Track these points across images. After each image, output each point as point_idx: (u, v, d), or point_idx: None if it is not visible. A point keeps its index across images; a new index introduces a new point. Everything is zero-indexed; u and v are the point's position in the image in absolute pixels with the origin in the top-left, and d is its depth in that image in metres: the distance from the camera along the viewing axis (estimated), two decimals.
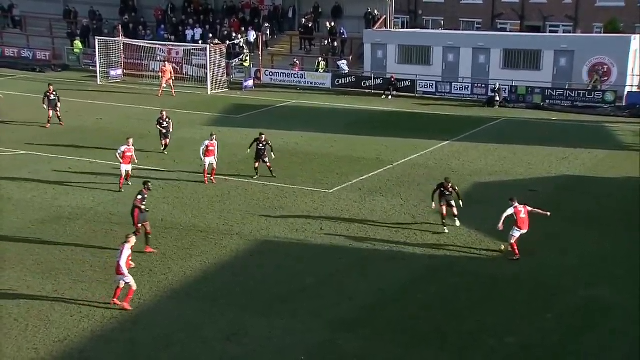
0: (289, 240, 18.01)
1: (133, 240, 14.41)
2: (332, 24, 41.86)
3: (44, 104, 28.56)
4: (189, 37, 43.57)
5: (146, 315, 14.08)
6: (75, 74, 42.06)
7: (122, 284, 14.20)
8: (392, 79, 37.43)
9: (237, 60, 40.82)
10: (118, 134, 27.51)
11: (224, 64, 39.54)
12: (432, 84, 37.53)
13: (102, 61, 39.97)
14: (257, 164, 22.28)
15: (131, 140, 21.04)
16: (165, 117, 24.71)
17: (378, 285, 15.53)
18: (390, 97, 37.20)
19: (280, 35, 44.55)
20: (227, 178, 22.71)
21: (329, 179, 22.92)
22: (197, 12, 45.48)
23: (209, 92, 37.67)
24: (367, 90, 38.31)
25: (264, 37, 41.96)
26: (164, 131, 24.79)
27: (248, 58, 40.64)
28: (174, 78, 36.88)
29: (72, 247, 17.04)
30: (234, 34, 42.35)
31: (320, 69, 39.91)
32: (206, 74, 38.13)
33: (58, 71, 42.62)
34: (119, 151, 20.85)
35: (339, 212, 19.99)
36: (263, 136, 22.22)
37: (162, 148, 24.96)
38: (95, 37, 41.19)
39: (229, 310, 14.31)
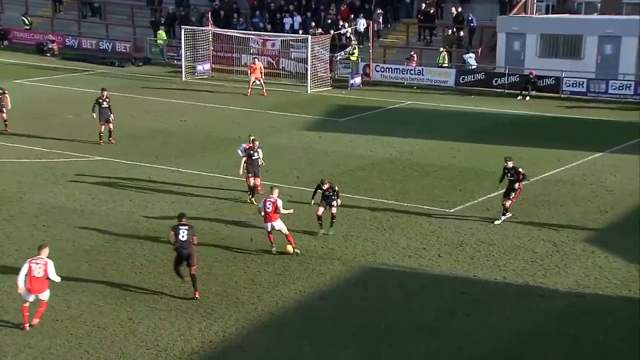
0: (400, 268, 17.95)
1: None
2: (459, 9, 41.55)
3: (93, 112, 27.26)
4: (287, 26, 44.57)
5: (233, 350, 14.43)
6: (158, 68, 43.99)
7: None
8: (532, 76, 36.66)
9: (342, 53, 41.28)
10: (204, 138, 28.47)
11: (327, 58, 40.06)
12: (583, 82, 36.42)
13: (188, 54, 41.52)
14: (320, 211, 19.62)
15: (276, 192, 18.54)
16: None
17: (509, 327, 15.20)
18: (528, 97, 36.42)
19: (395, 24, 44.70)
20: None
21: (449, 196, 22.70)
22: None
23: (309, 91, 38.28)
24: (499, 90, 37.70)
25: (375, 25, 42.22)
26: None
27: (356, 51, 41.00)
28: (263, 76, 37.17)
29: (149, 269, 17.81)
30: (341, 23, 42.91)
31: (442, 64, 39.70)
32: (306, 69, 38.80)
33: (139, 65, 44.72)
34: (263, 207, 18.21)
35: (461, 236, 19.75)
36: (326, 184, 19.76)
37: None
38: (182, 26, 42.89)
39: (327, 348, 14.43)
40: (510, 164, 20.67)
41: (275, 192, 18.64)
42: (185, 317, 15.50)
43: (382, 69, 40.52)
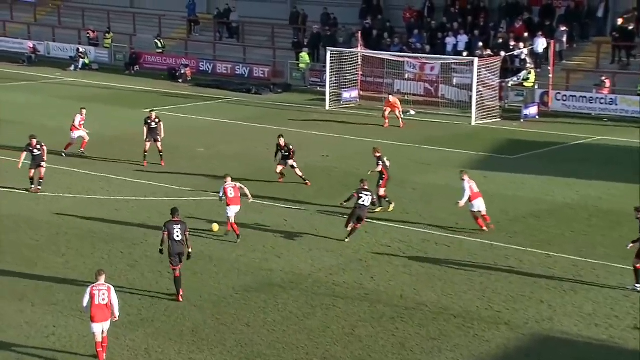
0: (583, 339, 17.37)
1: None
2: None
3: (275, 157, 28.52)
4: (449, 48, 44.58)
5: None
6: (299, 96, 45.05)
7: None
8: None
9: (515, 78, 40.77)
10: (348, 175, 28.73)
11: (497, 84, 39.72)
12: None
13: (333, 79, 42.30)
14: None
15: (229, 178, 23.19)
16: None
17: None
18: None
19: (583, 43, 43.69)
20: (492, 244, 22.57)
21: None
22: (463, 13, 46.45)
23: (473, 123, 38.01)
24: None
25: (557, 45, 41.45)
26: None
27: (532, 75, 40.39)
28: (401, 109, 37.45)
29: (283, 325, 18.04)
30: (514, 42, 42.42)
31: None
32: (470, 97, 38.60)
33: (278, 92, 45.93)
34: None
35: None
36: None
37: None
38: (327, 47, 43.78)
39: None
40: None
41: (229, 178, 22.94)
42: None
43: (565, 97, 39.63)
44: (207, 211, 25.45)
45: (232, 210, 22.67)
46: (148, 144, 30.32)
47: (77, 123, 31.65)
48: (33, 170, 27.15)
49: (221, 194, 22.94)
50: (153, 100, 43.35)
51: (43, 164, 27.17)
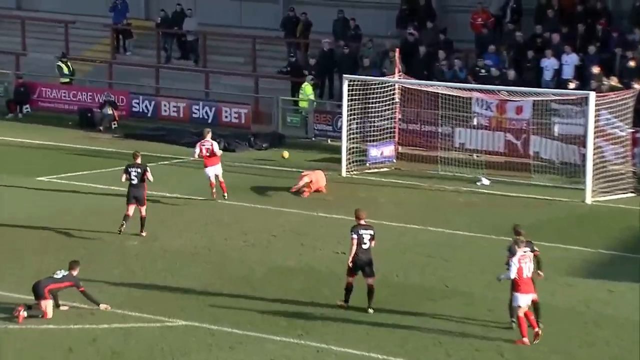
0: None
1: None
2: None
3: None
4: (547, 74, 44.70)
5: None
6: (297, 153, 44.96)
7: None
8: None
9: None
10: (379, 284, 28.28)
11: (629, 136, 39.85)
12: None
13: (353, 127, 42.25)
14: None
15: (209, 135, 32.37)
16: None
17: None
18: None
19: None
20: None
21: None
22: (568, 19, 46.61)
23: (588, 199, 38.18)
24: None
25: None
26: None
27: None
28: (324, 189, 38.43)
29: None
30: None
31: None
32: (584, 156, 38.58)
33: (263, 148, 46.10)
34: None
35: None
36: None
37: None
38: (343, 74, 43.66)
39: None
40: None
41: (209, 135, 35.29)
42: None
43: None
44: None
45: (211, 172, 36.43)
46: (132, 207, 33.25)
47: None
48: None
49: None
50: (53, 161, 43.25)
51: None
